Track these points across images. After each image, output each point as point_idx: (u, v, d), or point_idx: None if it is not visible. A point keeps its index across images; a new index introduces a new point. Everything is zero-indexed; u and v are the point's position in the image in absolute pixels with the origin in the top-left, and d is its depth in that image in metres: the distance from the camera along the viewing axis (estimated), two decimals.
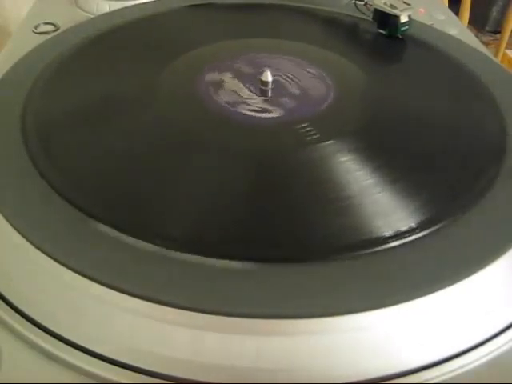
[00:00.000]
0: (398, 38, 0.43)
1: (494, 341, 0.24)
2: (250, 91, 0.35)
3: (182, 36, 0.42)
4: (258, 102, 0.34)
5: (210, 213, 0.27)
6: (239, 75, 0.37)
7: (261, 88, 0.35)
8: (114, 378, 0.22)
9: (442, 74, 0.39)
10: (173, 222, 0.27)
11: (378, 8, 0.43)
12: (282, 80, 0.36)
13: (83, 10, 0.50)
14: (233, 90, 0.35)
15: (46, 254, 0.25)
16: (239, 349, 0.22)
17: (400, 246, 0.26)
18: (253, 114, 0.33)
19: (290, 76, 0.37)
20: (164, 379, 0.22)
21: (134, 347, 0.23)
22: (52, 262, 0.24)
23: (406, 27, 0.43)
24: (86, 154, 0.30)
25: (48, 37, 0.43)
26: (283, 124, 0.33)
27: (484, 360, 0.24)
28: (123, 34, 0.42)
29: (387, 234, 0.26)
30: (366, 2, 0.44)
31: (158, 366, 0.23)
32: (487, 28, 1.47)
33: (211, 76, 0.37)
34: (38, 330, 0.24)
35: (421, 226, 0.27)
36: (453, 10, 0.57)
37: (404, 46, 0.43)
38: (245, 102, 0.34)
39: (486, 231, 0.27)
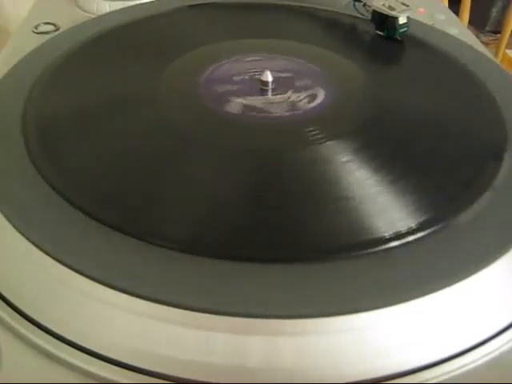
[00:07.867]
0: (396, 39, 0.43)
1: (494, 341, 0.24)
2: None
3: (182, 36, 0.42)
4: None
5: (210, 213, 0.27)
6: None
7: (261, 88, 0.35)
8: (114, 378, 0.22)
9: (442, 74, 0.39)
10: (173, 222, 0.27)
11: (376, 9, 0.43)
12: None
13: (83, 10, 0.50)
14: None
15: (46, 253, 0.25)
16: (239, 349, 0.22)
17: (400, 246, 0.26)
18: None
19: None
20: (164, 379, 0.22)
21: (134, 347, 0.23)
22: (52, 261, 0.24)
23: (405, 29, 0.42)
24: (86, 154, 0.30)
25: (48, 37, 0.43)
26: (282, 124, 0.33)
27: (484, 360, 0.24)
28: (123, 34, 0.42)
29: (387, 234, 0.26)
30: (365, 3, 0.44)
31: (158, 365, 0.23)
32: (487, 28, 1.47)
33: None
34: (38, 330, 0.24)
35: (420, 227, 0.27)
36: (453, 9, 0.57)
37: (404, 46, 0.43)
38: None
39: (485, 231, 0.27)
